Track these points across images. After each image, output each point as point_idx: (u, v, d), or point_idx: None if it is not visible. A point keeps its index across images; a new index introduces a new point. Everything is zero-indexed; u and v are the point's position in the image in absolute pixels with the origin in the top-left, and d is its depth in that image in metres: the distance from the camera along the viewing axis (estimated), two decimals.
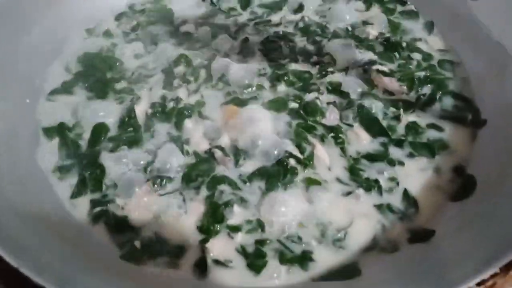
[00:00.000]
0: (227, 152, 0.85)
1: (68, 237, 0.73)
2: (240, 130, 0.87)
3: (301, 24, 1.13)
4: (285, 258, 0.73)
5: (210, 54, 1.04)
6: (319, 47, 1.07)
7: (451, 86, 0.98)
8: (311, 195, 0.80)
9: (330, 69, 1.00)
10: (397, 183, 0.82)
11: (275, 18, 1.15)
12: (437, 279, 0.63)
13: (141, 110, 0.93)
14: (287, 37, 1.10)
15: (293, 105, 0.93)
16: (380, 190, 0.81)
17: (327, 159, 0.85)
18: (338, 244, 0.75)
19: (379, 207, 0.80)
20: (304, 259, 0.74)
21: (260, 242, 0.75)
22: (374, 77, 0.98)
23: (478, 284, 0.56)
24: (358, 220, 0.78)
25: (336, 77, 0.98)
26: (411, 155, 0.86)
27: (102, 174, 0.83)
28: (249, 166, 0.84)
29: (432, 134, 0.89)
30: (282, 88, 0.96)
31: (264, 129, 0.87)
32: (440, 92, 0.96)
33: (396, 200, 0.81)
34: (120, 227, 0.77)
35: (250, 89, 0.96)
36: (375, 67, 1.00)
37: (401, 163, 0.85)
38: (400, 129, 0.90)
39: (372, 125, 0.90)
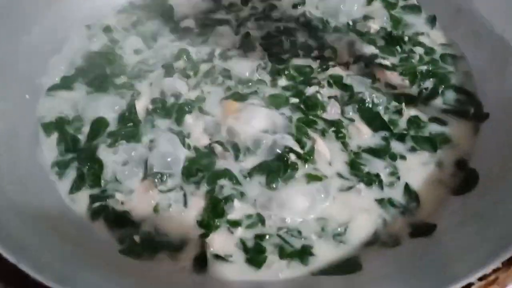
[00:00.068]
0: (227, 147, 0.85)
1: (68, 233, 0.73)
2: (240, 125, 0.87)
3: (302, 19, 1.12)
4: (285, 253, 0.73)
5: (211, 49, 1.04)
6: (320, 42, 1.06)
7: (453, 80, 0.97)
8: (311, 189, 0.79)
9: (331, 63, 0.99)
10: (399, 178, 0.82)
11: (276, 13, 1.15)
12: (438, 273, 0.63)
13: (142, 105, 0.92)
14: (288, 32, 1.09)
15: (294, 99, 0.92)
16: (381, 185, 0.81)
17: (327, 154, 0.84)
18: (338, 238, 0.75)
19: (380, 201, 0.79)
20: (304, 253, 0.73)
21: (260, 237, 0.75)
22: (375, 71, 0.97)
23: (480, 279, 0.56)
24: (359, 214, 0.77)
25: (337, 71, 0.98)
26: (413, 149, 0.86)
27: (100, 169, 0.82)
28: (249, 161, 0.83)
29: (434, 128, 0.89)
30: (282, 82, 0.96)
31: (265, 123, 0.87)
32: (442, 86, 0.95)
33: (397, 195, 0.80)
34: (120, 222, 0.77)
35: (250, 84, 0.95)
36: (376, 61, 0.99)
37: (403, 157, 0.84)
38: (402, 123, 0.89)
39: (373, 119, 0.89)
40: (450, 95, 0.94)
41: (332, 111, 0.90)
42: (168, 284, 0.70)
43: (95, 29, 1.10)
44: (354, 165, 0.83)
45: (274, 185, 0.80)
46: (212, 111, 0.91)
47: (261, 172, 0.82)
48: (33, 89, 0.94)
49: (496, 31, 0.97)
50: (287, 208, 0.77)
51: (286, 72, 0.97)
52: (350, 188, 0.80)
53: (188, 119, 0.90)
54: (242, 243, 0.74)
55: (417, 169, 0.83)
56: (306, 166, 0.83)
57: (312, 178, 0.81)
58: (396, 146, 0.86)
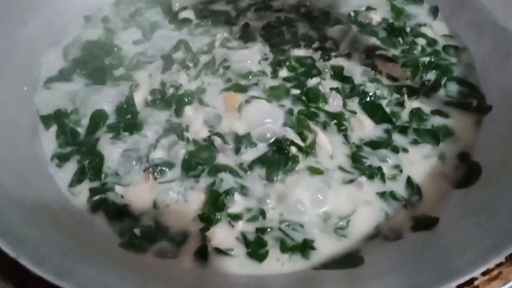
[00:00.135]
0: (227, 139, 0.84)
1: (68, 227, 0.73)
2: (240, 117, 0.86)
3: (303, 10, 1.11)
4: (286, 247, 0.73)
5: (210, 40, 1.03)
6: (322, 33, 1.05)
7: (456, 72, 0.97)
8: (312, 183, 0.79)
9: (332, 54, 0.98)
10: (401, 171, 0.81)
11: (276, 3, 1.13)
12: (440, 267, 0.62)
13: (140, 96, 0.91)
14: (289, 23, 1.08)
15: (295, 91, 0.91)
16: (383, 178, 0.80)
17: (329, 147, 0.83)
18: (340, 232, 0.75)
19: (382, 194, 0.79)
20: (305, 247, 0.73)
21: (261, 230, 0.74)
22: (377, 62, 0.96)
23: (483, 273, 0.55)
24: (361, 208, 0.77)
25: (339, 62, 0.97)
26: (415, 142, 0.85)
27: (101, 162, 0.82)
28: (249, 154, 0.83)
29: (436, 120, 0.88)
30: (283, 73, 0.95)
31: (265, 116, 0.86)
32: (445, 78, 0.95)
33: (399, 188, 0.80)
34: (120, 215, 0.77)
35: (251, 75, 0.94)
36: (378, 52, 0.99)
37: (405, 150, 0.84)
38: (404, 115, 0.89)
39: (375, 112, 0.88)
40: (453, 87, 0.94)
41: (334, 103, 0.89)
42: (168, 278, 0.69)
43: (93, 20, 1.09)
44: (355, 158, 0.82)
45: (274, 178, 0.79)
46: (212, 102, 0.90)
47: (262, 165, 0.81)
48: (31, 81, 0.93)
49: (499, 22, 0.96)
50: (287, 201, 0.77)
51: (287, 63, 0.96)
52: (351, 181, 0.80)
53: (188, 110, 0.89)
54: (243, 236, 0.74)
55: (419, 162, 0.83)
56: (307, 159, 0.82)
57: (313, 171, 0.80)
58: (398, 139, 0.85)
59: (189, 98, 0.90)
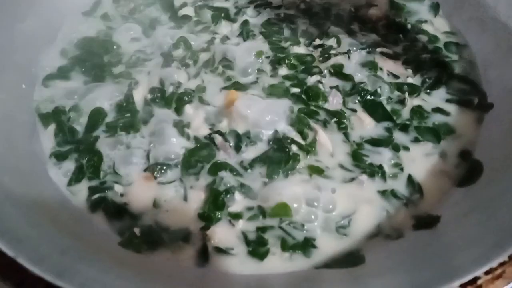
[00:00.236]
0: (228, 137, 0.83)
1: (67, 225, 0.72)
2: (240, 115, 0.85)
3: (303, 6, 1.10)
4: (287, 245, 0.72)
5: (210, 38, 1.02)
6: (322, 30, 1.04)
7: (457, 69, 0.96)
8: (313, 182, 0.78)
9: (333, 52, 0.98)
10: (402, 169, 0.81)
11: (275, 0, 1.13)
12: (442, 266, 0.62)
13: (140, 95, 0.91)
14: (289, 19, 1.07)
15: (295, 89, 0.90)
16: (384, 176, 0.80)
17: (329, 145, 0.83)
18: (341, 231, 0.74)
19: (383, 193, 0.78)
20: (306, 246, 0.72)
21: (262, 229, 0.74)
22: (378, 60, 0.96)
23: (486, 272, 0.55)
24: (362, 206, 0.77)
25: (339, 60, 0.96)
26: (416, 140, 0.84)
27: (100, 161, 0.81)
28: (250, 152, 0.82)
29: (437, 118, 0.88)
30: (283, 71, 0.94)
31: (265, 114, 0.85)
32: (446, 75, 0.94)
33: (400, 186, 0.79)
34: (119, 214, 0.76)
35: (250, 73, 0.93)
36: (379, 49, 0.98)
37: (406, 148, 0.83)
38: (405, 113, 0.88)
39: (376, 110, 0.88)
40: (454, 85, 0.93)
41: (334, 101, 0.89)
42: (168, 277, 0.69)
43: (92, 17, 1.08)
44: (356, 156, 0.82)
45: (275, 177, 0.79)
46: (212, 101, 0.90)
47: (262, 164, 0.81)
48: (29, 79, 0.93)
49: (501, 19, 0.95)
50: (288, 199, 0.76)
51: (286, 61, 0.96)
52: (352, 179, 0.79)
53: (188, 109, 0.88)
54: (244, 235, 0.73)
55: (420, 160, 0.82)
56: (308, 157, 0.82)
57: (314, 170, 0.80)
58: (399, 137, 0.85)
59: (189, 96, 0.90)
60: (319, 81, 0.92)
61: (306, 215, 0.75)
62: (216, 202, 0.76)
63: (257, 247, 0.72)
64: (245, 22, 1.06)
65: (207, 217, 0.75)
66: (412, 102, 0.90)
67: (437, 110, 0.89)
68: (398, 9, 1.09)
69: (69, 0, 1.06)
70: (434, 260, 0.64)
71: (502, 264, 0.55)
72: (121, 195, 0.78)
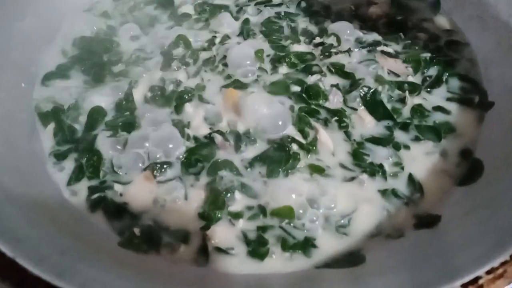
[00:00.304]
0: (228, 137, 0.83)
1: (66, 225, 0.72)
2: (240, 114, 0.85)
3: (303, 4, 1.10)
4: (287, 245, 0.72)
5: (210, 36, 1.02)
6: (322, 28, 1.04)
7: (458, 68, 0.96)
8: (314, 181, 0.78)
9: (333, 50, 0.97)
10: (402, 168, 0.81)
11: None
12: (444, 266, 0.62)
13: (140, 93, 0.90)
14: (289, 18, 1.07)
15: (295, 88, 0.90)
16: (384, 175, 0.79)
17: (330, 144, 0.83)
18: (342, 230, 0.74)
19: (383, 192, 0.78)
20: (307, 245, 0.72)
21: (262, 229, 0.74)
22: (378, 58, 0.95)
23: (488, 272, 0.54)
24: (362, 205, 0.76)
25: (340, 58, 0.95)
26: (416, 139, 0.84)
27: (99, 161, 0.81)
28: (250, 151, 0.82)
29: (438, 117, 0.87)
30: (283, 70, 0.94)
31: (266, 113, 0.85)
32: (447, 74, 0.94)
33: (401, 185, 0.79)
34: (119, 214, 0.76)
35: (251, 72, 0.93)
36: (379, 48, 0.98)
37: (407, 147, 0.83)
38: (406, 112, 0.88)
39: (376, 108, 0.87)
40: (455, 83, 0.93)
41: (335, 100, 0.88)
42: (168, 277, 0.69)
43: (91, 15, 1.08)
44: (357, 155, 0.81)
45: (275, 176, 0.78)
46: (212, 99, 0.89)
47: (263, 163, 0.80)
48: (28, 78, 0.93)
49: (502, 17, 0.95)
50: (288, 198, 0.76)
51: (287, 60, 0.95)
52: (353, 178, 0.79)
53: (188, 107, 0.88)
54: (244, 235, 0.73)
55: (421, 159, 0.82)
56: (309, 156, 0.81)
57: (315, 169, 0.79)
58: (400, 136, 0.85)
59: (189, 95, 0.89)
60: (319, 80, 0.91)
61: (307, 214, 0.74)
62: (216, 201, 0.76)
63: (257, 247, 0.72)
64: (246, 21, 1.05)
65: (207, 217, 0.75)
66: (413, 100, 0.89)
67: (438, 108, 0.88)
68: (399, 7, 1.09)
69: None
70: (435, 259, 0.64)
71: (503, 264, 0.55)
72: (121, 194, 0.78)
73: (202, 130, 0.85)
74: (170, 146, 0.82)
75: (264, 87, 0.91)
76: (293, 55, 0.96)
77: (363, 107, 0.88)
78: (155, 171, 0.79)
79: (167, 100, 0.89)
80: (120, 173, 0.80)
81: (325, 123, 0.85)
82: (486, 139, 0.84)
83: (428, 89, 0.92)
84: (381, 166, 0.80)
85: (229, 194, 0.76)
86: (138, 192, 0.78)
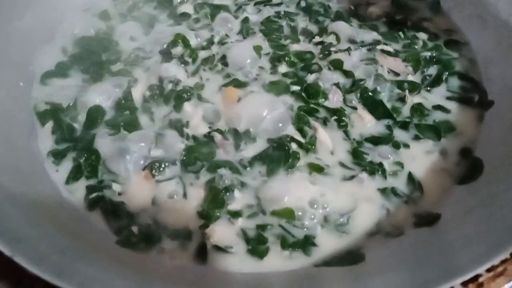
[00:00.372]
0: (227, 136, 0.83)
1: (65, 224, 0.72)
2: (240, 113, 0.85)
3: (303, 3, 1.10)
4: (287, 243, 0.72)
5: (209, 35, 1.02)
6: (322, 27, 1.04)
7: (458, 67, 0.96)
8: (313, 179, 0.78)
9: (332, 49, 0.97)
10: (402, 167, 0.81)
11: None
12: (443, 264, 0.61)
13: (139, 92, 0.90)
14: (289, 17, 1.07)
15: (295, 87, 0.90)
16: (384, 174, 0.79)
17: (329, 143, 0.83)
18: (341, 229, 0.74)
19: (383, 191, 0.78)
20: (306, 244, 0.72)
21: (262, 227, 0.74)
22: (378, 57, 0.95)
23: (488, 270, 0.54)
24: (362, 204, 0.76)
25: (339, 57, 0.95)
26: (416, 138, 0.84)
27: (98, 160, 0.81)
28: (249, 150, 0.82)
29: (438, 115, 0.87)
30: (283, 69, 0.94)
31: (265, 112, 0.85)
32: (446, 73, 0.93)
33: (400, 184, 0.79)
34: (117, 213, 0.76)
35: (250, 71, 0.93)
36: (379, 47, 0.97)
37: (406, 146, 0.83)
38: (405, 111, 0.88)
39: (376, 107, 0.87)
40: (454, 82, 0.93)
41: (334, 99, 0.88)
42: (167, 276, 0.68)
43: (90, 15, 1.08)
44: (356, 154, 0.81)
45: (275, 175, 0.78)
46: (211, 98, 0.89)
47: (262, 162, 0.80)
48: (27, 76, 0.92)
49: (502, 16, 0.95)
50: (288, 198, 0.76)
51: (286, 59, 0.95)
52: (352, 177, 0.79)
53: (187, 106, 0.88)
54: (243, 233, 0.73)
55: (420, 157, 0.82)
56: (308, 155, 0.81)
57: (314, 168, 0.79)
58: (400, 135, 0.85)
59: (188, 94, 0.89)
60: (319, 79, 0.91)
61: (306, 213, 0.74)
62: (215, 200, 0.75)
63: (256, 245, 0.72)
64: (245, 20, 1.05)
65: (207, 215, 0.74)
66: (413, 99, 0.89)
67: (438, 107, 0.88)
68: (398, 6, 1.09)
69: None
70: (435, 258, 0.64)
71: (503, 262, 0.55)
72: (119, 193, 0.78)
73: (201, 129, 0.85)
74: (169, 145, 0.81)
75: (263, 86, 0.91)
76: (292, 54, 0.96)
77: (363, 106, 0.88)
78: (153, 170, 0.79)
79: (166, 99, 0.89)
80: (119, 173, 0.79)
81: (324, 122, 0.85)
82: (486, 138, 0.84)
83: (428, 88, 0.91)
84: (380, 164, 0.80)
85: (228, 193, 0.76)
86: (137, 191, 0.77)
